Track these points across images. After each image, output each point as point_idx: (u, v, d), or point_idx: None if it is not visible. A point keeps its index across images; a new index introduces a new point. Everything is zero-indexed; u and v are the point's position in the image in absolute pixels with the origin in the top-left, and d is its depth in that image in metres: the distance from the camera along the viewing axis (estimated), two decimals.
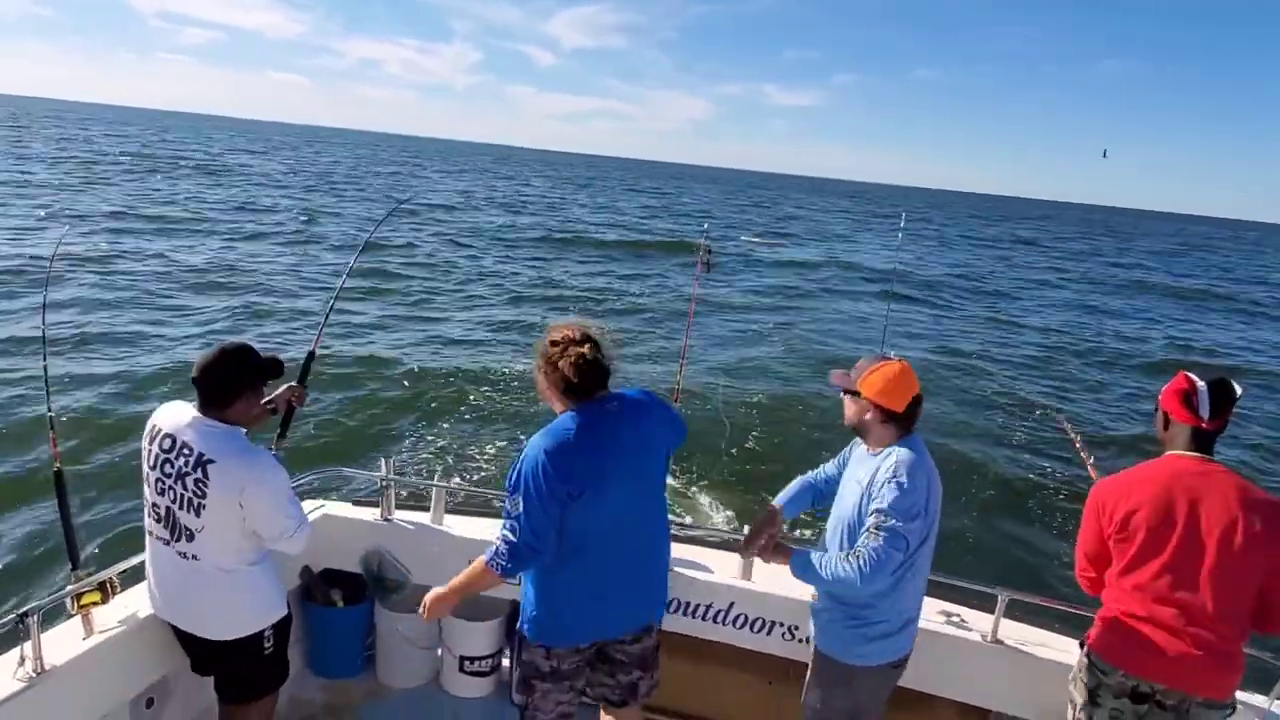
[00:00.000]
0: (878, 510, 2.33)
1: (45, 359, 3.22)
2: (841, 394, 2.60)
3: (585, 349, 2.30)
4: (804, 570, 2.46)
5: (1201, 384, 2.38)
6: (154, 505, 2.49)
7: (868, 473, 2.47)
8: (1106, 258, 47.98)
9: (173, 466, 2.41)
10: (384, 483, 3.52)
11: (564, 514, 2.27)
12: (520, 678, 2.55)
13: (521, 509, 2.27)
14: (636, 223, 41.51)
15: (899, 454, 2.42)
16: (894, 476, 2.35)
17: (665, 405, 2.55)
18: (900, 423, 2.49)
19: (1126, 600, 2.39)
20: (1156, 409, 2.51)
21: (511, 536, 2.31)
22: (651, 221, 43.25)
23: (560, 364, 2.30)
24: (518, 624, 2.56)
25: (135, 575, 2.81)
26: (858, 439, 2.66)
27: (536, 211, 42.10)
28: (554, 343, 2.34)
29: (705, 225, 5.62)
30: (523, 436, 8.72)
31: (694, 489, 8.14)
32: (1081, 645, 2.57)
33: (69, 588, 2.59)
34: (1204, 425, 2.37)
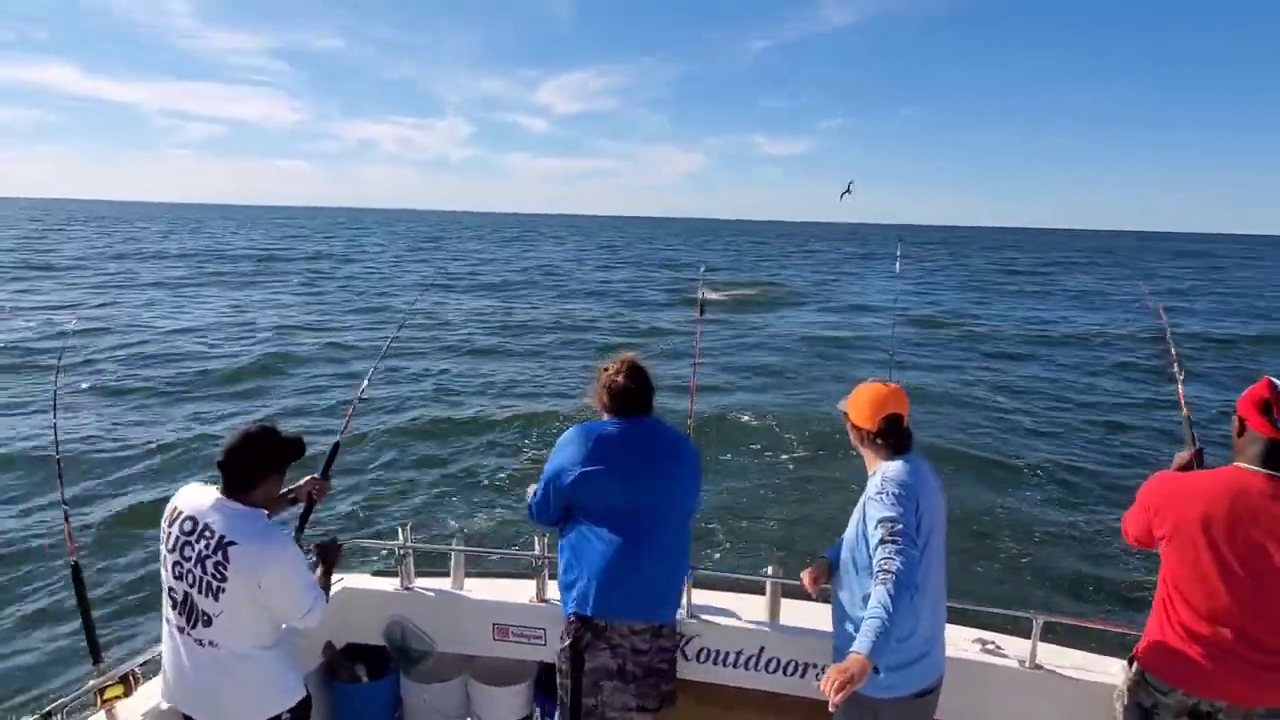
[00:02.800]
0: (878, 521, 2.31)
1: (58, 451, 3.24)
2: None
3: (621, 377, 2.78)
4: (871, 642, 2.10)
5: None
6: (171, 590, 2.47)
7: (864, 494, 2.49)
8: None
9: (193, 550, 2.40)
10: (402, 550, 3.50)
11: (580, 484, 2.69)
12: (590, 683, 2.72)
13: (546, 468, 2.78)
14: (634, 277, 41.88)
15: (884, 468, 2.46)
16: (881, 489, 2.38)
17: (693, 454, 2.90)
18: (885, 442, 2.50)
19: (1184, 616, 2.29)
20: (1234, 413, 2.35)
21: (533, 488, 2.87)
22: (648, 274, 43.65)
23: (604, 383, 2.80)
24: (566, 611, 2.77)
25: (157, 665, 2.78)
26: None
27: (543, 277, 42.47)
28: (605, 369, 2.85)
29: (701, 268, 5.74)
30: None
31: (710, 533, 8.04)
32: (1130, 662, 2.48)
33: (91, 682, 2.57)
34: None
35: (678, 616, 3.07)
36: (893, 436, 2.50)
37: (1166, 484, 2.41)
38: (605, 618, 2.71)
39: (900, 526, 2.27)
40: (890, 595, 2.15)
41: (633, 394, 2.78)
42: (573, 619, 2.73)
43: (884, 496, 2.35)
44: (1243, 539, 2.20)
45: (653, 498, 2.74)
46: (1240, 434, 2.33)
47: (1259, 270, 67.39)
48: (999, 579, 7.27)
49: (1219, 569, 2.22)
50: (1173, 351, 3.37)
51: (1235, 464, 2.31)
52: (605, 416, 2.81)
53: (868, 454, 2.58)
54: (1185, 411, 3.03)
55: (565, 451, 2.74)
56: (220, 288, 31.50)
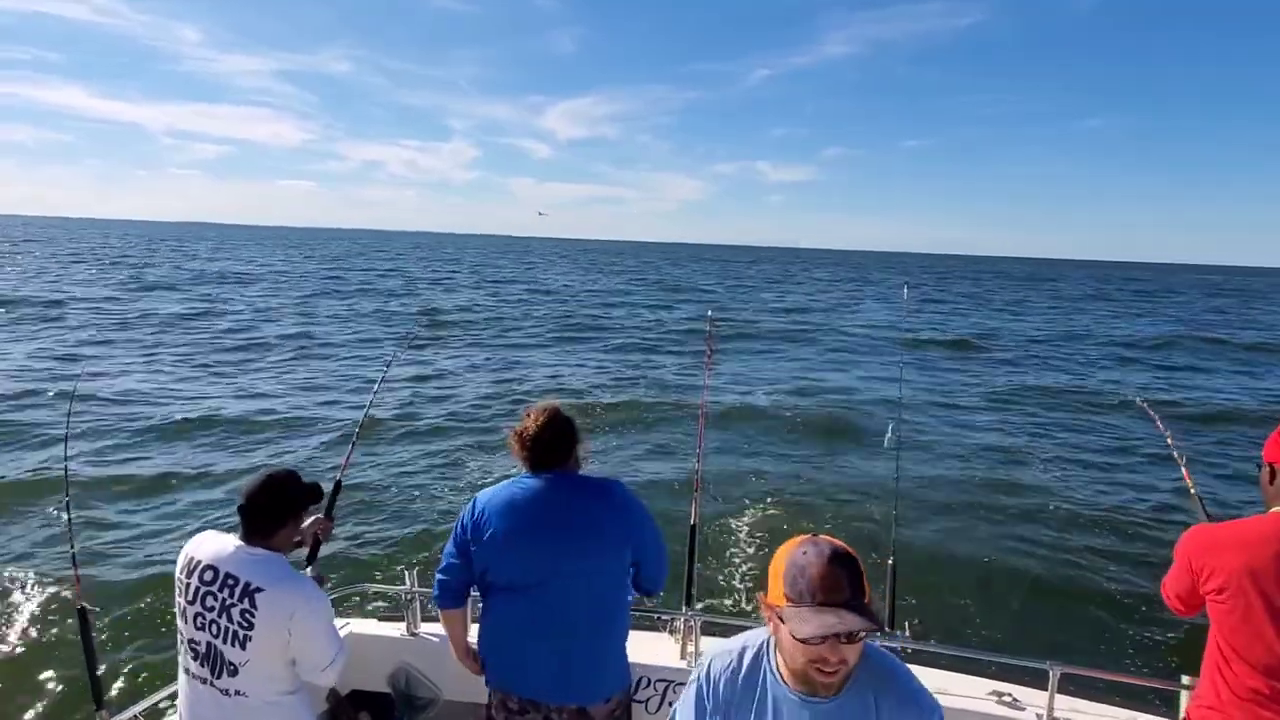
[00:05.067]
0: None
1: (68, 492, 3.24)
2: None
3: (534, 426, 2.60)
4: None
5: None
6: (192, 642, 2.41)
7: (893, 692, 1.71)
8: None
9: (216, 599, 2.35)
10: (409, 595, 3.46)
11: (475, 554, 2.57)
12: None
13: (449, 540, 2.67)
14: (640, 308, 41.96)
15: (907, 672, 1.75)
16: None
17: (616, 502, 2.61)
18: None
19: (1243, 675, 2.17)
20: (1260, 465, 2.31)
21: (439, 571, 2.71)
22: (654, 304, 43.73)
23: (518, 431, 2.63)
24: None
25: (160, 713, 2.76)
26: (715, 660, 1.86)
27: (546, 303, 42.47)
28: (526, 415, 2.67)
29: (709, 312, 5.68)
30: None
31: (724, 578, 7.94)
32: None
33: None
34: None
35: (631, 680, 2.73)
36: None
37: (1205, 535, 2.31)
38: (503, 690, 2.61)
39: None
40: None
41: (545, 444, 2.58)
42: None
43: None
44: None
45: (553, 563, 2.50)
46: (1272, 480, 2.28)
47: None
48: (1013, 627, 7.09)
49: (1273, 621, 2.12)
50: (1169, 439, 3.34)
51: (1274, 510, 2.25)
52: (524, 468, 2.64)
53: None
54: (1193, 491, 2.97)
55: (464, 513, 2.62)
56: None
